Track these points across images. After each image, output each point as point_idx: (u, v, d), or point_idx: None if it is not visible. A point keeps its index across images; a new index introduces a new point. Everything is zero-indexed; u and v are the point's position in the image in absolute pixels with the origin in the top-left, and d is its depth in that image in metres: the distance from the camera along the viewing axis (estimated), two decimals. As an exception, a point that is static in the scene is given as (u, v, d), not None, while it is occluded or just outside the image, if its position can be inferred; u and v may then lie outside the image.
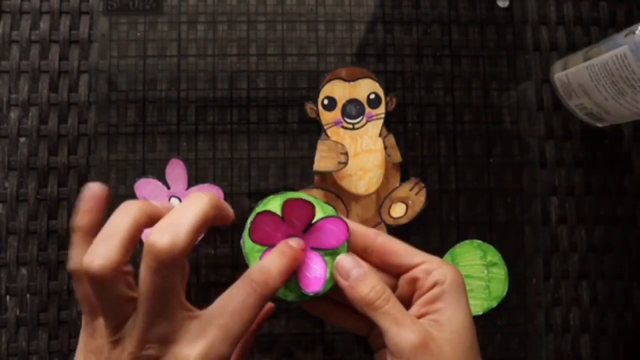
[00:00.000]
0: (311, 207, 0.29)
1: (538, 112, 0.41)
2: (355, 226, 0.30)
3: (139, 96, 0.39)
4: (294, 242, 0.29)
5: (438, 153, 0.40)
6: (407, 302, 0.29)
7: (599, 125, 0.40)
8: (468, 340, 0.27)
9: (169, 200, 0.37)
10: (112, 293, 0.24)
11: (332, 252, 0.29)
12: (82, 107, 0.39)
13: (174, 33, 0.40)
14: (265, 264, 0.27)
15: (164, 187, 0.37)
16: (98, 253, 0.24)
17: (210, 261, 0.38)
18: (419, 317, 0.28)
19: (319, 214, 0.29)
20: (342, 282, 0.28)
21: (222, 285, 0.38)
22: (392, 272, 0.29)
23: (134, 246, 0.25)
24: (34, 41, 0.39)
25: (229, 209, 0.29)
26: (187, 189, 0.38)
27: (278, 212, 0.29)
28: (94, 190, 0.27)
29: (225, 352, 0.25)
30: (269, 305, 0.33)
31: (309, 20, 0.40)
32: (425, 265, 0.28)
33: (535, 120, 0.41)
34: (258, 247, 0.29)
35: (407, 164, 0.40)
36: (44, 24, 0.39)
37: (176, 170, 0.37)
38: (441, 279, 0.28)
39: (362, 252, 0.30)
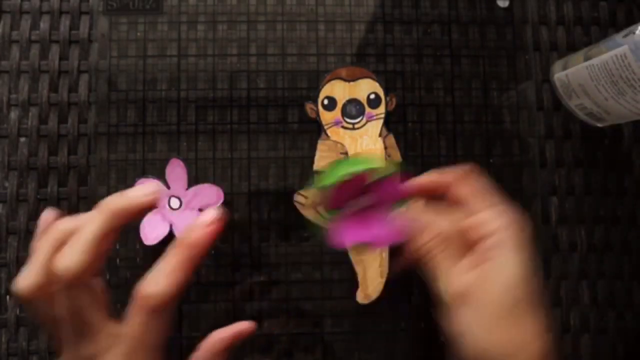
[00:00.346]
0: (363, 178, 0.30)
1: (538, 112, 0.41)
2: (426, 178, 0.31)
3: (139, 96, 0.39)
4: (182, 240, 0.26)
5: (438, 153, 0.40)
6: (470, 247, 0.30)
7: (599, 125, 0.40)
8: (517, 293, 0.27)
9: (169, 200, 0.37)
10: (38, 313, 0.25)
11: (396, 205, 0.32)
12: (82, 107, 0.39)
13: (174, 33, 0.40)
14: (154, 279, 0.25)
15: (164, 187, 0.37)
16: (22, 276, 0.25)
17: (210, 261, 0.38)
18: (473, 265, 0.28)
19: (375, 176, 0.31)
20: (406, 230, 0.30)
21: (222, 285, 0.38)
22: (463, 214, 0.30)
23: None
24: (34, 41, 0.39)
25: (142, 199, 0.26)
26: (186, 189, 0.38)
27: (341, 180, 0.30)
28: (46, 217, 0.28)
29: None
30: (246, 326, 0.32)
31: (309, 20, 0.40)
32: (483, 214, 0.29)
33: (535, 120, 0.41)
34: (334, 210, 0.32)
35: (407, 164, 0.40)
36: (44, 24, 0.39)
37: (176, 170, 0.37)
38: (495, 231, 0.28)
39: (444, 192, 0.31)
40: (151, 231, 0.35)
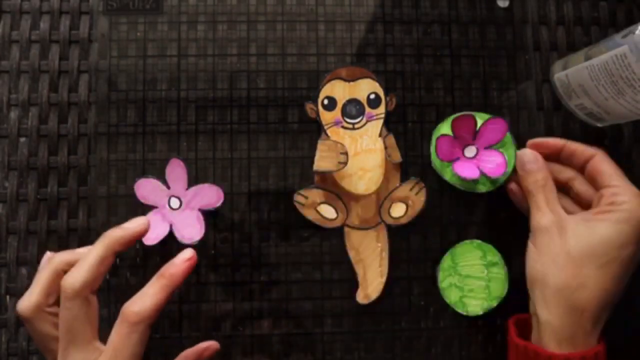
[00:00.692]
0: (472, 119, 0.38)
1: (538, 112, 0.41)
2: (574, 146, 0.37)
3: (139, 96, 0.39)
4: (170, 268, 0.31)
5: (438, 153, 0.40)
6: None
7: (599, 125, 0.40)
8: (599, 251, 0.32)
9: (169, 200, 0.37)
10: (36, 330, 0.30)
11: (501, 145, 0.39)
12: (82, 107, 0.39)
13: (174, 33, 0.40)
14: (140, 299, 0.30)
15: (164, 187, 0.37)
16: (23, 298, 0.30)
17: (210, 261, 0.38)
18: (584, 214, 0.34)
19: (480, 121, 0.39)
20: (518, 170, 0.37)
21: (222, 285, 0.38)
22: (596, 186, 0.35)
23: (55, 291, 0.31)
24: (34, 41, 0.39)
25: (136, 229, 0.32)
26: (187, 189, 0.38)
27: (449, 132, 0.39)
28: (47, 256, 0.34)
29: None
30: (209, 344, 0.36)
31: (309, 20, 0.40)
32: (614, 189, 0.34)
33: (535, 120, 0.41)
34: (446, 163, 0.39)
35: (407, 164, 0.40)
36: (44, 24, 0.39)
37: (176, 171, 0.37)
38: (618, 202, 0.33)
39: (584, 163, 0.36)
40: (151, 231, 0.35)
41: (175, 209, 0.37)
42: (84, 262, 0.30)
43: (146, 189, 0.37)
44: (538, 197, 0.35)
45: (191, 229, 0.37)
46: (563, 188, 0.37)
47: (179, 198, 0.38)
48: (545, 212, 0.34)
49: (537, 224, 0.34)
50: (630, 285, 0.40)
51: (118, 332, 0.29)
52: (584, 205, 0.36)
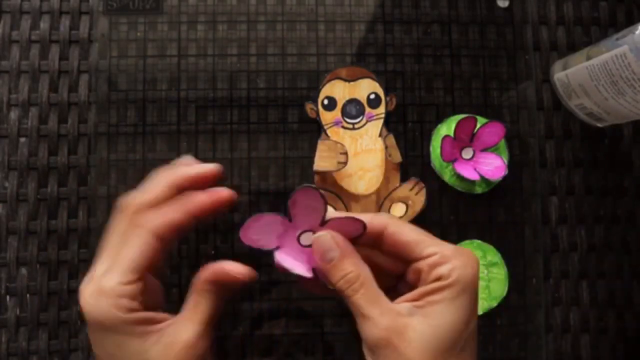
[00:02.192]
0: (472, 121, 0.38)
1: (538, 112, 0.41)
2: (365, 217, 0.29)
3: (139, 96, 0.39)
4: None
5: (438, 153, 0.40)
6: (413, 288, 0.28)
7: (599, 125, 0.40)
8: (450, 341, 0.26)
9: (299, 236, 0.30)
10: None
11: (495, 148, 0.39)
12: (82, 107, 0.39)
13: (174, 33, 0.40)
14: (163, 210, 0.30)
15: (286, 221, 0.29)
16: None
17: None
18: (412, 300, 0.27)
19: (478, 124, 0.39)
20: (318, 262, 0.28)
21: (222, 285, 0.38)
22: (404, 261, 0.29)
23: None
24: (34, 41, 0.39)
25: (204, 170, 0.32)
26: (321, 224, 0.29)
27: (449, 132, 0.39)
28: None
29: None
30: (227, 193, 0.32)
31: (309, 20, 0.40)
32: (432, 258, 0.27)
33: (535, 120, 0.41)
34: (445, 163, 0.39)
35: (407, 164, 0.40)
36: (44, 24, 0.39)
37: (309, 201, 0.29)
38: (446, 275, 0.26)
39: (376, 240, 0.29)
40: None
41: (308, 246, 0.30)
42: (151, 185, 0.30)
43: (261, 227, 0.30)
44: (358, 301, 0.27)
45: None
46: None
47: (313, 232, 0.29)
48: (376, 320, 0.26)
49: (371, 336, 0.26)
50: (630, 285, 0.40)
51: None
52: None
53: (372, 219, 0.29)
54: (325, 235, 0.28)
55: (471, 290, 0.27)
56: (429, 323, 0.26)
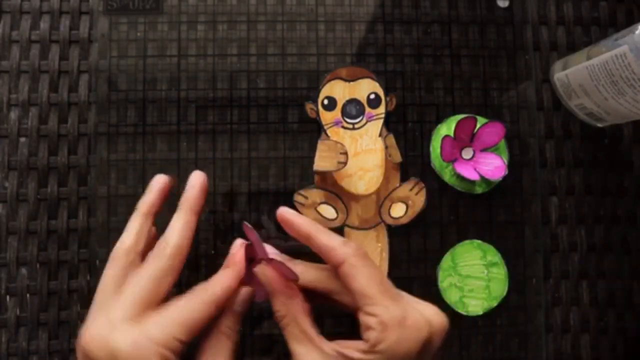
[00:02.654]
0: (472, 121, 0.38)
1: (538, 112, 0.41)
2: (322, 240, 0.29)
3: (139, 96, 0.39)
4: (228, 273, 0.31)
5: (438, 153, 0.40)
6: None
7: (599, 125, 0.40)
8: None
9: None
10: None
11: (495, 148, 0.39)
12: (82, 107, 0.39)
13: (174, 33, 0.40)
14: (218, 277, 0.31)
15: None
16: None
17: (210, 261, 0.38)
18: (356, 349, 0.27)
19: (478, 124, 0.39)
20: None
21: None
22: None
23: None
24: (34, 41, 0.39)
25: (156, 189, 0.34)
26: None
27: (449, 132, 0.39)
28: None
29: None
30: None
31: (309, 20, 0.40)
32: (369, 319, 0.27)
33: (535, 120, 0.41)
34: (445, 163, 0.39)
35: (407, 164, 0.40)
36: (44, 24, 0.39)
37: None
38: (373, 342, 0.26)
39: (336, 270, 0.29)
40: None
41: None
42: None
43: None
44: (287, 337, 0.29)
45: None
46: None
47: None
48: (300, 358, 0.28)
49: None
50: (630, 285, 0.40)
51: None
52: None
53: (332, 251, 0.28)
54: (259, 272, 0.30)
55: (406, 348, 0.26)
56: None
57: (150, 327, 0.27)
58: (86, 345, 0.27)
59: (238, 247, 0.33)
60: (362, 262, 0.28)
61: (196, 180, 0.33)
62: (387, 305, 0.27)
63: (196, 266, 0.38)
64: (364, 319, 0.27)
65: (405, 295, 0.29)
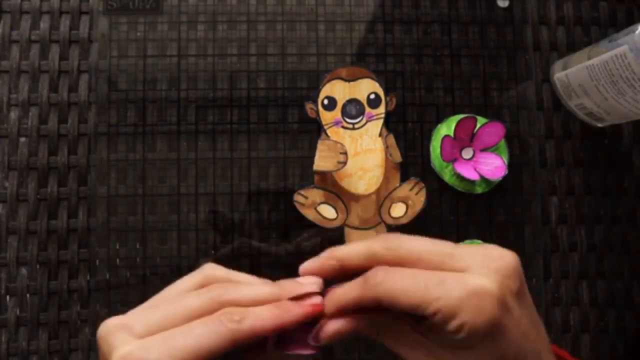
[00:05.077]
0: (472, 121, 0.38)
1: (538, 112, 0.41)
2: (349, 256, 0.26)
3: (139, 96, 0.39)
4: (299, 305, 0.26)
5: (438, 153, 0.40)
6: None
7: (599, 125, 0.40)
8: None
9: None
10: None
11: (495, 148, 0.39)
12: (82, 107, 0.39)
13: (174, 33, 0.40)
14: (254, 311, 0.25)
15: None
16: None
17: (210, 261, 0.38)
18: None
19: (478, 124, 0.39)
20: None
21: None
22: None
23: None
24: (34, 41, 0.39)
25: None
26: None
27: (449, 132, 0.39)
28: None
29: None
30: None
31: (309, 20, 0.40)
32: (438, 317, 0.24)
33: (535, 120, 0.41)
34: (445, 163, 0.39)
35: (407, 164, 0.40)
36: (44, 24, 0.39)
37: None
38: (456, 330, 0.23)
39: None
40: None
41: None
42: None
43: None
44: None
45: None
46: None
47: None
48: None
49: None
50: (630, 285, 0.40)
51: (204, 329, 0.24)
52: None
53: (364, 291, 0.25)
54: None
55: (494, 337, 0.24)
56: None
57: (149, 346, 0.24)
58: (102, 326, 0.25)
59: (311, 289, 0.26)
60: (390, 279, 0.24)
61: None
62: (441, 290, 0.24)
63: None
64: (433, 321, 0.24)
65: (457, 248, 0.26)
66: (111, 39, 0.39)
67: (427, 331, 0.26)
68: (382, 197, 0.39)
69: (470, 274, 0.24)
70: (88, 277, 0.38)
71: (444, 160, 0.39)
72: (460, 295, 0.23)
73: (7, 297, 0.37)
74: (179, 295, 0.26)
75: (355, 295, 0.25)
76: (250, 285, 0.26)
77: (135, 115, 0.39)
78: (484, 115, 0.40)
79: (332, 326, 0.26)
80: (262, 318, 0.24)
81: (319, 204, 0.38)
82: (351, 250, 0.26)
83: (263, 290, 0.26)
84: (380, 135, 0.39)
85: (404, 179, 0.39)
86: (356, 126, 0.39)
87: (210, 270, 0.28)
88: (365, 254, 0.25)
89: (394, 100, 0.40)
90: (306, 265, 0.27)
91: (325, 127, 0.39)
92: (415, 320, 0.27)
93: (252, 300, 0.25)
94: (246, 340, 0.24)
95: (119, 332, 0.24)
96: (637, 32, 0.31)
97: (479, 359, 0.24)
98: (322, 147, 0.38)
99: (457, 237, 0.39)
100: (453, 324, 0.23)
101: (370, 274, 0.24)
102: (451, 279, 0.24)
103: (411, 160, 0.40)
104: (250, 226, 0.39)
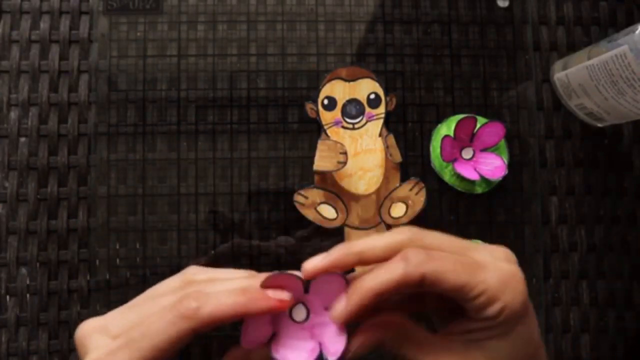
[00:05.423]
0: (472, 121, 0.38)
1: (538, 112, 0.41)
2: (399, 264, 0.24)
3: (139, 96, 0.39)
4: (272, 293, 0.25)
5: (438, 153, 0.40)
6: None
7: (599, 125, 0.40)
8: None
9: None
10: None
11: (495, 148, 0.39)
12: (82, 107, 0.39)
13: (174, 33, 0.40)
14: (216, 296, 0.24)
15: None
16: None
17: (211, 261, 0.38)
18: (464, 332, 0.25)
19: (478, 124, 0.39)
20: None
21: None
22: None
23: None
24: (34, 41, 0.39)
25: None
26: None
27: (449, 132, 0.39)
28: None
29: None
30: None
31: (309, 20, 0.40)
32: (479, 300, 0.24)
33: (535, 120, 0.41)
34: (445, 163, 0.39)
35: (407, 164, 0.40)
36: (44, 24, 0.39)
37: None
38: (496, 314, 0.24)
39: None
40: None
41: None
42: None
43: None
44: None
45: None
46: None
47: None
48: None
49: None
50: (630, 285, 0.40)
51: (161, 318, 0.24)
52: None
53: (409, 269, 0.23)
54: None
55: (524, 317, 0.25)
56: (485, 355, 0.24)
57: (116, 350, 0.24)
58: (79, 328, 0.25)
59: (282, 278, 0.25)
60: (436, 260, 0.24)
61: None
62: (482, 276, 0.24)
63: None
64: (473, 305, 0.24)
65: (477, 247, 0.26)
66: (111, 39, 0.39)
67: (450, 328, 0.26)
68: (382, 197, 0.39)
69: (498, 261, 0.25)
70: (88, 277, 0.38)
71: (444, 160, 0.39)
72: (502, 279, 0.24)
73: (7, 297, 0.37)
74: (156, 297, 0.26)
75: (397, 276, 0.23)
76: (225, 281, 0.26)
77: (135, 115, 0.39)
78: (484, 115, 0.40)
79: (358, 339, 0.25)
80: (222, 304, 0.24)
81: (319, 204, 0.38)
82: (373, 242, 0.25)
83: (234, 285, 0.25)
84: (380, 135, 0.39)
85: (404, 179, 0.39)
86: (356, 126, 0.39)
87: (192, 272, 0.28)
88: (389, 245, 0.24)
89: (394, 100, 0.40)
90: (315, 263, 0.25)
91: (325, 127, 0.39)
92: (437, 315, 0.27)
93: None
94: (207, 327, 0.24)
95: (94, 335, 0.25)
96: (637, 32, 0.31)
97: (505, 350, 0.24)
98: (322, 147, 0.38)
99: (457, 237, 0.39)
100: (495, 307, 0.24)
101: (409, 254, 0.23)
102: (490, 264, 0.24)
103: (411, 160, 0.40)
104: (250, 226, 0.39)
